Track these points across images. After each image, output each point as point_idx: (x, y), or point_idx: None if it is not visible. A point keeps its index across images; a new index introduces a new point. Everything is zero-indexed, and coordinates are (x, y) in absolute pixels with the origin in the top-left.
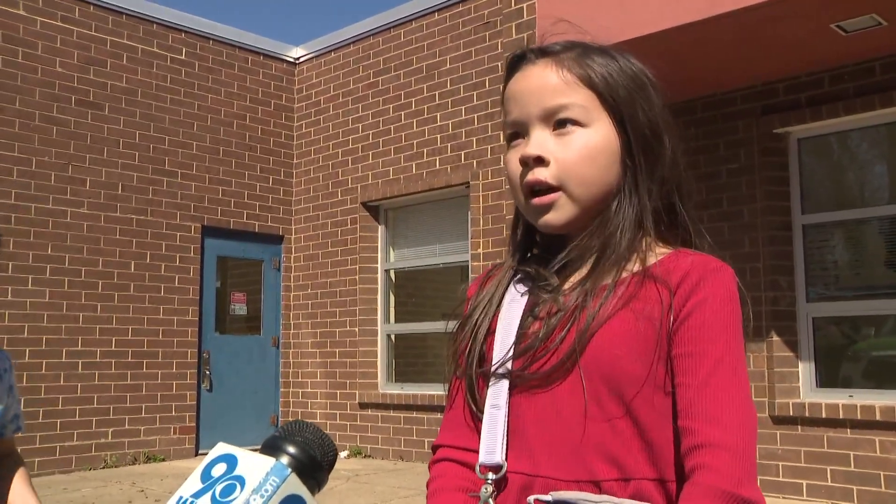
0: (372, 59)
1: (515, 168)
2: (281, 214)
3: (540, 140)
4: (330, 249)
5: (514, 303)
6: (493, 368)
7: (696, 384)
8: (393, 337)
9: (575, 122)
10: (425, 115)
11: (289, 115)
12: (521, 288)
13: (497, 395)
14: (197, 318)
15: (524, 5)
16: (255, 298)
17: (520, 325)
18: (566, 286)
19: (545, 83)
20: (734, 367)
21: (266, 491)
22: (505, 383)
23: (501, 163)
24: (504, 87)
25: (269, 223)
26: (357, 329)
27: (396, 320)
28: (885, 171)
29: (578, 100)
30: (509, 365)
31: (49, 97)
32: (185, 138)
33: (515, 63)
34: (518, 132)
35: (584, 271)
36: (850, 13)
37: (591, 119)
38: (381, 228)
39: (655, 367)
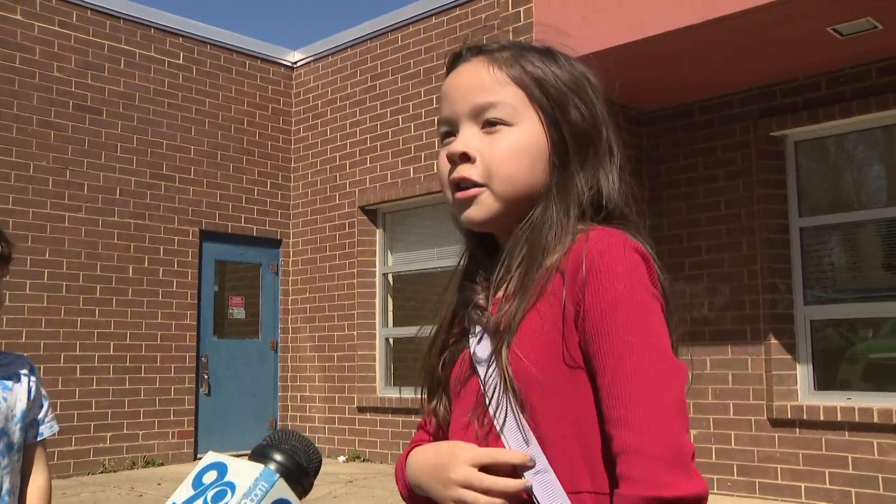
0: (369, 63)
1: (444, 165)
2: (279, 218)
3: (467, 137)
4: (328, 253)
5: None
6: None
7: (604, 386)
8: (391, 341)
9: (502, 121)
10: (423, 119)
11: (286, 119)
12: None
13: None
14: (195, 323)
15: (521, 9)
16: (254, 302)
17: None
18: (500, 294)
19: (474, 81)
20: (638, 354)
21: (256, 495)
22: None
23: None
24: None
25: (267, 227)
26: (355, 333)
27: (395, 324)
28: (881, 173)
29: (507, 98)
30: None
31: (46, 101)
32: (182, 142)
33: (452, 62)
34: (449, 130)
35: (514, 280)
36: (847, 16)
37: (519, 118)
38: (379, 232)
39: (558, 373)
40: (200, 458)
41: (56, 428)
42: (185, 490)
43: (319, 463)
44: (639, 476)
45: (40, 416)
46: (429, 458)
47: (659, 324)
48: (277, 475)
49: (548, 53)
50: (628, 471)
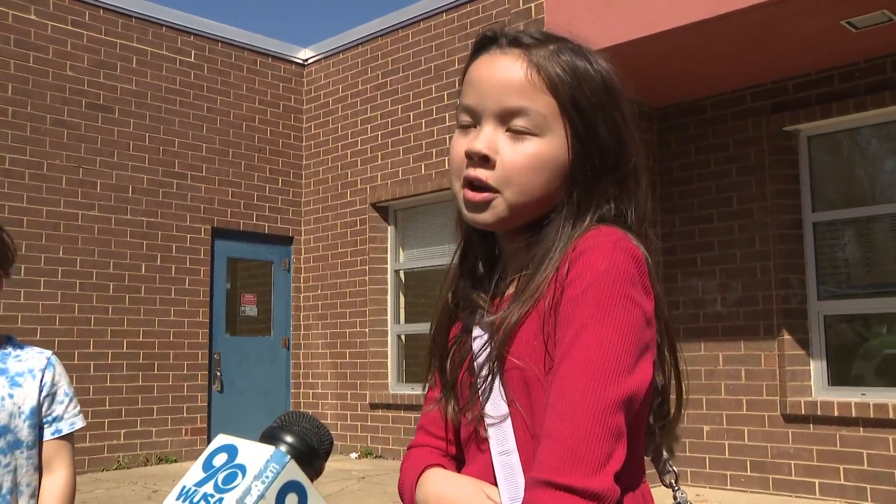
0: (380, 60)
1: (459, 157)
2: (290, 216)
3: (490, 137)
4: (339, 250)
5: (480, 339)
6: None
7: (554, 372)
8: (403, 337)
9: (530, 130)
10: (434, 116)
11: (297, 116)
12: (476, 318)
13: (503, 441)
14: (207, 320)
15: (532, 5)
16: (265, 300)
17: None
18: (501, 297)
19: (509, 79)
20: (586, 347)
21: (267, 477)
22: (505, 427)
23: None
24: (467, 66)
25: (279, 224)
26: (367, 330)
27: (406, 321)
28: (895, 167)
29: (539, 106)
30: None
31: (60, 100)
32: (194, 140)
33: (485, 44)
34: (469, 118)
35: (515, 284)
36: (861, 9)
37: (547, 129)
38: (390, 229)
39: (549, 370)
40: None
41: (79, 424)
42: (196, 472)
43: (331, 445)
44: (543, 459)
45: (59, 411)
46: (453, 496)
47: (623, 326)
48: (288, 457)
49: (581, 54)
50: (539, 453)
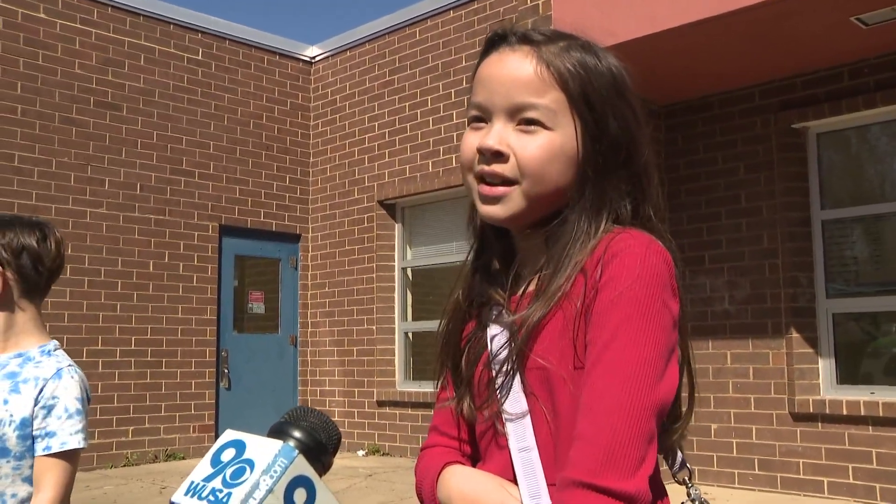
0: (388, 58)
1: (470, 153)
2: (298, 213)
3: (501, 133)
4: (347, 248)
5: (500, 336)
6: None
7: (585, 374)
8: (410, 335)
9: (540, 123)
10: (441, 113)
11: (305, 113)
12: (493, 315)
13: (523, 437)
14: (215, 317)
15: (539, 2)
16: (273, 297)
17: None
18: (519, 293)
19: (519, 76)
20: (622, 349)
21: (275, 472)
22: (524, 423)
23: None
24: (478, 64)
25: (287, 222)
26: (374, 327)
27: (414, 318)
28: None
29: (548, 101)
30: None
31: (68, 98)
32: (202, 138)
33: (495, 42)
34: (480, 114)
35: (536, 282)
36: (871, 6)
37: (557, 123)
38: (397, 226)
39: (577, 374)
40: None
41: (71, 445)
42: (204, 467)
43: (339, 440)
44: (578, 460)
45: (54, 427)
46: (475, 493)
47: (657, 329)
48: (297, 451)
49: (590, 50)
50: (573, 455)
